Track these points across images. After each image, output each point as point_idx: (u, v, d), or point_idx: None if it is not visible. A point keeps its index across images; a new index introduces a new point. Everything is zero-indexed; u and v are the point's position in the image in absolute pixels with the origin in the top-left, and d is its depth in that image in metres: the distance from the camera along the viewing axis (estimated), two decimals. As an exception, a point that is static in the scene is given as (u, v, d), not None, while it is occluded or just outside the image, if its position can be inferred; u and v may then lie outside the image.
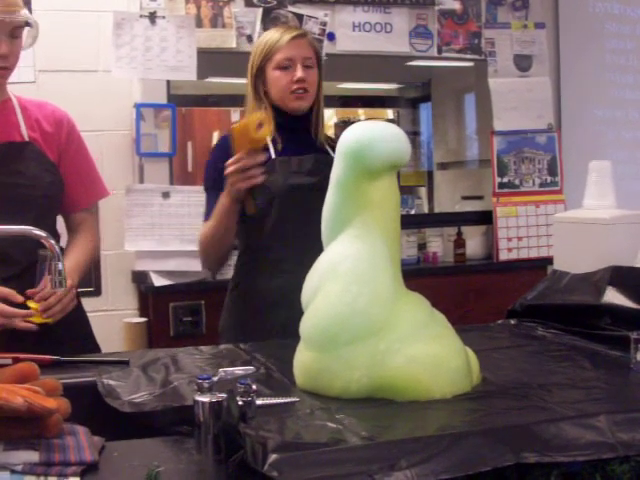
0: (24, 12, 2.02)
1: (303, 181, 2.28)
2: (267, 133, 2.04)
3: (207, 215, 2.32)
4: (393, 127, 1.58)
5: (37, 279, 1.96)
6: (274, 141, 2.33)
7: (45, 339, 1.93)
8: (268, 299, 2.28)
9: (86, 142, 2.28)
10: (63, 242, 2.22)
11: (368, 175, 1.51)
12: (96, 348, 2.22)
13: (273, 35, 2.38)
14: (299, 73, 2.31)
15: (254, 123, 2.00)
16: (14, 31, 2.01)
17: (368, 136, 1.53)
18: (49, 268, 1.71)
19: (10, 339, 1.89)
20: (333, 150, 2.35)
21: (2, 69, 2.04)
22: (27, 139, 2.10)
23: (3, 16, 1.96)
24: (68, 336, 2.04)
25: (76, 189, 2.20)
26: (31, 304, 1.93)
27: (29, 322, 1.92)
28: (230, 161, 2.09)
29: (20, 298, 1.93)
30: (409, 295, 1.54)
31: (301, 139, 2.37)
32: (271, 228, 2.28)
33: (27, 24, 2.03)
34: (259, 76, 2.36)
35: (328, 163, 2.29)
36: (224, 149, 2.30)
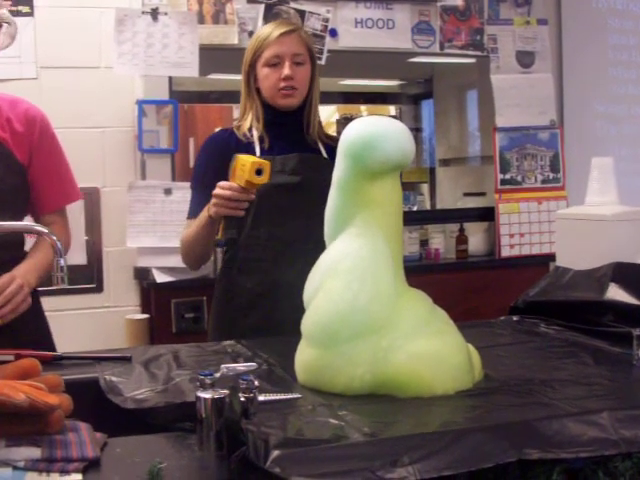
0: (3, 11, 1.99)
1: (284, 180, 2.24)
2: (264, 181, 2.01)
3: (190, 213, 2.32)
4: (397, 125, 1.56)
5: None
6: (261, 139, 2.32)
7: None
8: (242, 299, 2.27)
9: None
10: (28, 246, 2.15)
11: (370, 176, 1.50)
12: (52, 349, 2.13)
13: (264, 31, 2.36)
14: (286, 71, 2.28)
15: (254, 167, 1.99)
16: None
17: (371, 136, 1.51)
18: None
19: None
20: (329, 148, 2.37)
21: None
22: None
23: None
24: (24, 337, 1.96)
25: (47, 191, 2.13)
26: None
27: None
28: (224, 184, 2.07)
29: None
30: (411, 292, 1.54)
31: (290, 137, 2.34)
32: (249, 227, 2.26)
33: (5, 23, 1.99)
34: (251, 72, 2.35)
35: (314, 163, 2.30)
36: (210, 150, 2.36)
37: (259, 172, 1.99)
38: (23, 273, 1.94)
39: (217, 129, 2.94)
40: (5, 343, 1.77)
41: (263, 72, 2.32)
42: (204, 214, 2.17)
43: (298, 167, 2.25)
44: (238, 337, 2.02)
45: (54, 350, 2.10)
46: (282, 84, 2.29)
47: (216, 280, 2.42)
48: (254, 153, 2.27)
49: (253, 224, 2.25)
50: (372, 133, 1.52)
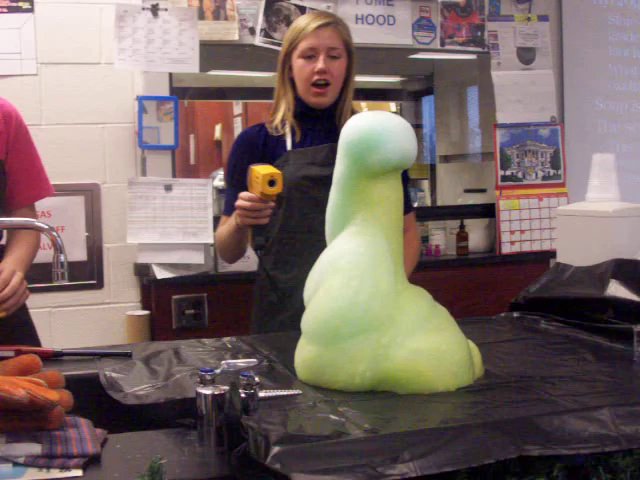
0: None
1: (315, 172, 2.27)
2: (278, 191, 2.04)
3: (226, 209, 2.39)
4: (398, 124, 1.54)
5: None
6: (293, 131, 2.33)
7: None
8: (278, 293, 2.28)
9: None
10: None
11: (370, 176, 1.50)
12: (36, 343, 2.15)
13: (301, 22, 2.37)
14: (320, 64, 2.30)
15: (266, 180, 2.02)
16: None
17: (370, 137, 1.50)
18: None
19: None
20: None
21: None
22: None
23: None
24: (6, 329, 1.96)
25: (21, 186, 2.14)
26: None
27: None
28: (244, 195, 2.10)
29: None
30: (411, 289, 1.54)
31: (322, 128, 2.35)
32: (281, 221, 2.28)
33: None
34: (286, 62, 2.38)
35: None
36: (240, 146, 2.39)
37: (272, 183, 2.02)
38: (15, 265, 1.94)
39: (217, 125, 2.94)
40: None
41: (298, 63, 2.34)
42: (232, 221, 2.22)
43: (329, 158, 2.23)
44: (276, 330, 2.13)
45: (39, 345, 2.11)
46: (315, 77, 2.31)
47: (256, 274, 2.47)
48: (284, 147, 2.29)
49: (285, 218, 2.27)
50: (372, 133, 1.50)
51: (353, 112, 2.39)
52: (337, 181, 1.55)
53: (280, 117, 2.36)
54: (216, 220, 3.26)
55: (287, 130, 2.33)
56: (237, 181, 2.30)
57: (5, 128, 2.09)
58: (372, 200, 1.50)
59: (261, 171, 2.03)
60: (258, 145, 2.33)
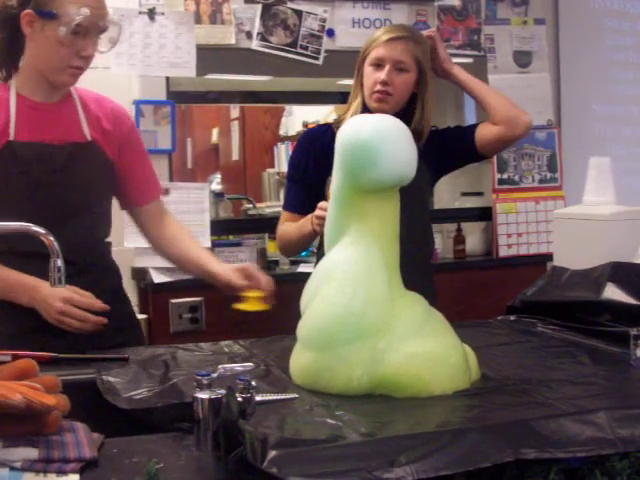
0: (110, 15, 2.01)
1: None
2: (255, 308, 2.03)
3: (286, 205, 2.53)
4: (398, 138, 1.49)
5: None
6: None
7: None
8: None
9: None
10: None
11: (364, 191, 1.49)
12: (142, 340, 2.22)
13: (378, 32, 2.51)
14: (382, 75, 2.40)
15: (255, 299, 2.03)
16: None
17: (367, 153, 1.45)
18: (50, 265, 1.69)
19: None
20: (431, 147, 2.43)
21: (79, 69, 2.00)
22: (90, 139, 2.06)
23: (97, 20, 1.94)
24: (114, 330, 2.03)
25: (142, 182, 2.20)
26: (252, 293, 1.99)
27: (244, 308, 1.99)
28: (323, 205, 2.17)
29: (100, 305, 1.94)
30: (407, 295, 1.54)
31: None
32: None
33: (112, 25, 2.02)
34: (360, 68, 2.50)
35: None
36: (305, 144, 2.52)
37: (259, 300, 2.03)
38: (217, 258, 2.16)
39: (214, 129, 2.98)
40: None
41: (366, 71, 2.46)
42: (308, 227, 2.31)
43: None
44: None
45: (142, 344, 2.16)
46: (377, 87, 2.42)
47: None
48: None
49: None
50: (367, 150, 1.45)
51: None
52: (333, 192, 1.55)
53: (348, 118, 2.41)
54: (213, 224, 3.27)
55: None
56: (300, 178, 2.46)
57: (116, 131, 2.13)
58: (366, 213, 1.50)
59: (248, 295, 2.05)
60: (323, 144, 2.39)
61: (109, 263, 2.21)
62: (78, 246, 2.01)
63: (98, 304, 1.94)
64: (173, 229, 2.23)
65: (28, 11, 1.92)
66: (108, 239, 2.20)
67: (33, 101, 2.03)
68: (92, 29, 1.96)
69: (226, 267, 2.10)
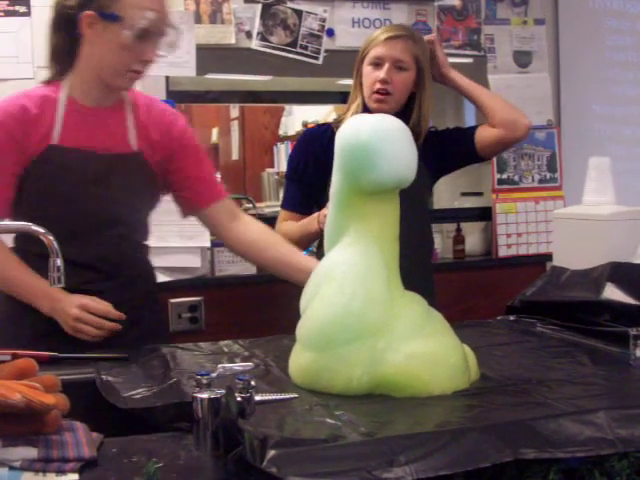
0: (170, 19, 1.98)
1: None
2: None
3: (285, 204, 2.54)
4: (398, 138, 1.48)
5: None
6: None
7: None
8: None
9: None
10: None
11: (364, 193, 1.48)
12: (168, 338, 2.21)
13: (376, 31, 2.52)
14: (382, 74, 2.42)
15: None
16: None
17: (366, 154, 1.44)
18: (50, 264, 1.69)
19: None
20: (430, 148, 2.42)
21: (138, 73, 1.97)
22: (135, 149, 2.04)
23: (160, 24, 1.92)
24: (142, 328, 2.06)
25: (200, 185, 2.14)
26: None
27: None
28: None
29: (116, 313, 1.94)
30: (406, 296, 1.54)
31: None
32: None
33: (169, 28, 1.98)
34: (359, 68, 2.51)
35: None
36: (304, 144, 2.52)
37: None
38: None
39: (214, 128, 2.98)
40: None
41: (365, 70, 2.47)
42: (314, 225, 2.33)
43: None
44: None
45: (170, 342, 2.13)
46: (377, 86, 2.43)
47: None
48: None
49: None
50: (366, 151, 1.44)
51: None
52: (332, 193, 1.55)
53: (349, 117, 2.42)
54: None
55: None
56: (299, 177, 2.47)
57: (164, 138, 2.08)
58: (366, 214, 1.49)
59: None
60: (323, 144, 2.40)
61: (141, 269, 2.18)
62: (109, 255, 2.02)
63: (114, 312, 1.94)
64: (254, 233, 2.15)
65: (89, 13, 1.89)
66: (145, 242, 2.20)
67: (83, 105, 2.00)
68: (154, 33, 1.92)
69: None
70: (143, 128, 2.06)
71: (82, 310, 1.91)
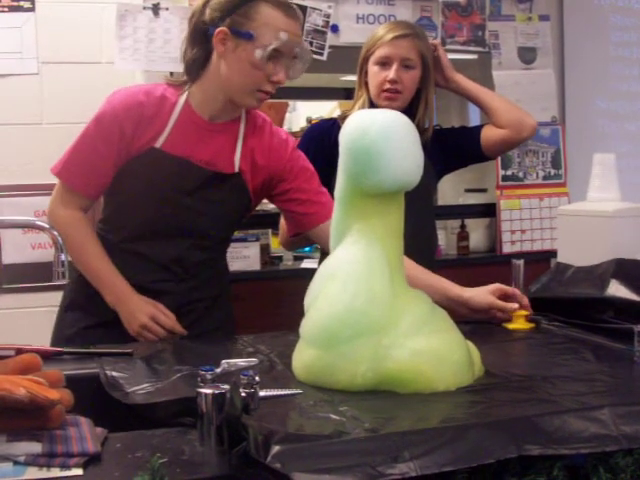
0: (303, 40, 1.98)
1: None
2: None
3: None
4: (403, 138, 1.46)
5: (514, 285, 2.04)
6: None
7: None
8: None
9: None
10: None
11: (366, 194, 1.48)
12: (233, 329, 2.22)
13: (381, 30, 2.50)
14: (391, 74, 2.42)
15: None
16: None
17: (369, 157, 1.43)
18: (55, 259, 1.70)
19: None
20: (435, 146, 2.43)
21: (267, 94, 1.96)
22: (236, 170, 2.03)
23: (294, 45, 1.91)
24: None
25: (311, 204, 2.09)
26: (521, 312, 1.96)
27: None
28: None
29: (180, 329, 1.99)
30: (410, 293, 1.54)
31: None
32: None
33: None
34: (363, 66, 2.51)
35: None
36: (310, 139, 2.52)
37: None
38: None
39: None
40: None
41: (372, 70, 2.47)
42: None
43: None
44: None
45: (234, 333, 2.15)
46: (387, 85, 2.43)
47: None
48: None
49: None
50: (370, 153, 1.43)
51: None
52: (336, 193, 1.54)
53: None
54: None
55: None
56: None
57: (270, 164, 2.07)
58: (369, 214, 1.49)
59: None
60: (330, 138, 2.40)
61: (214, 272, 2.16)
62: (185, 260, 2.04)
63: (178, 328, 1.98)
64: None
65: (223, 29, 1.89)
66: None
67: (198, 116, 2.00)
68: (286, 54, 1.92)
69: (477, 291, 2.01)
70: (250, 150, 2.05)
71: (151, 320, 1.94)
